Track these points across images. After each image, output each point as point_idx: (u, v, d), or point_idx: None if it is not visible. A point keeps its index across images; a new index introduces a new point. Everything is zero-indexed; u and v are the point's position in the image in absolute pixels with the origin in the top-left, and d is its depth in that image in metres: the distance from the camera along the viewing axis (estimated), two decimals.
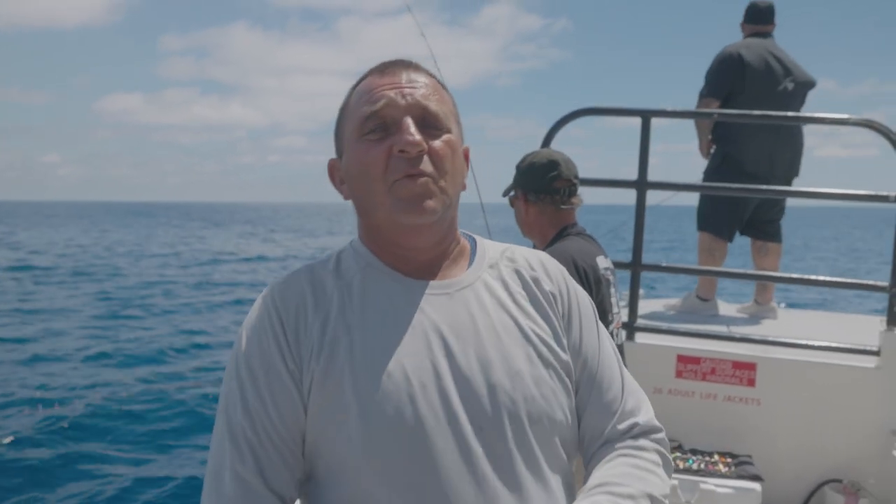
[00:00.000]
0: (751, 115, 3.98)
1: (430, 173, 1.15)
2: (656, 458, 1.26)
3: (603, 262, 2.47)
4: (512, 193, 2.65)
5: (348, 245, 1.29)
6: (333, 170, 1.29)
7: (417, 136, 1.14)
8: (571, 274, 2.31)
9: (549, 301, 1.28)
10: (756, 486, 3.01)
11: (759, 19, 4.60)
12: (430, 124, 1.18)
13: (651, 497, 1.18)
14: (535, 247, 2.60)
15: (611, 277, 2.51)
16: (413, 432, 1.08)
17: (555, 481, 1.17)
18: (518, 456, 1.13)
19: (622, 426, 1.27)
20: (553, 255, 2.35)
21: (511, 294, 1.26)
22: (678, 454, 3.29)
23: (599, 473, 1.21)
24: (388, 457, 1.08)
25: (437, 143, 1.17)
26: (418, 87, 1.19)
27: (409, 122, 1.15)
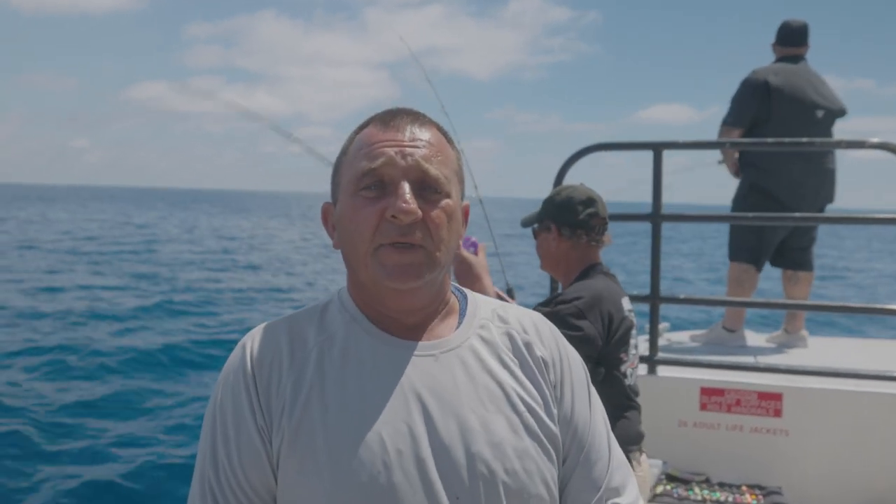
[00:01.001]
0: (765, 143, 3.97)
1: (420, 243, 1.12)
2: None
3: (626, 304, 2.47)
4: (537, 226, 2.60)
5: (335, 295, 1.27)
6: (327, 214, 1.26)
7: (412, 205, 1.10)
8: (597, 313, 2.31)
9: (539, 368, 1.23)
10: None
11: (791, 41, 4.56)
12: (428, 187, 1.14)
13: None
14: (551, 284, 2.60)
15: (633, 320, 2.51)
16: (386, 499, 1.06)
17: None
18: None
19: None
20: (582, 292, 2.35)
21: (500, 358, 1.21)
22: (705, 488, 3.24)
23: None
24: None
25: (433, 212, 1.13)
26: (420, 146, 1.15)
27: (406, 188, 1.11)
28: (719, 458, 3.43)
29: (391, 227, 1.11)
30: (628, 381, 2.42)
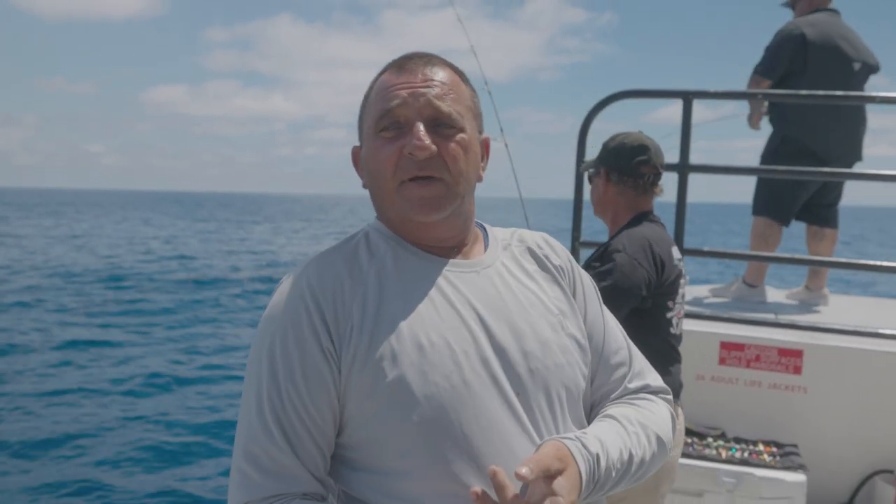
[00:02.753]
0: (798, 95, 3.86)
1: (439, 176, 1.21)
2: (666, 411, 1.38)
3: (676, 253, 2.45)
4: (592, 170, 2.60)
5: (369, 227, 1.33)
6: (356, 157, 1.34)
7: (426, 141, 1.18)
8: (647, 259, 2.29)
9: (560, 274, 1.37)
10: (801, 476, 2.93)
11: None
12: (442, 124, 1.21)
13: (658, 436, 1.30)
14: (607, 229, 2.58)
15: (682, 268, 2.48)
16: (462, 395, 1.15)
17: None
18: (553, 414, 1.22)
19: (633, 385, 1.38)
20: (630, 239, 2.34)
21: (527, 271, 1.34)
22: (721, 442, 3.22)
23: (612, 408, 1.31)
24: (440, 419, 1.13)
25: (448, 145, 1.21)
26: (433, 85, 1.23)
27: (420, 126, 1.19)
28: (736, 413, 3.41)
29: (410, 162, 1.20)
30: (673, 330, 2.40)
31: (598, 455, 1.16)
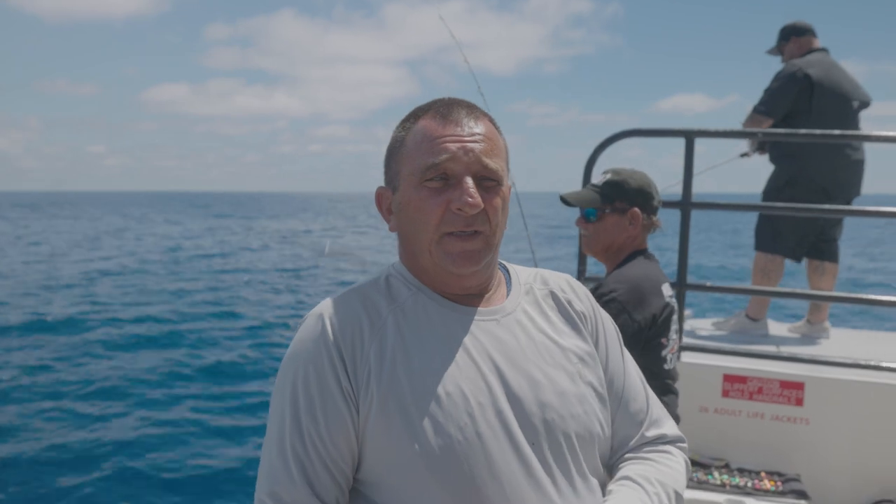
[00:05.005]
0: (797, 135, 3.96)
1: (483, 231, 1.25)
2: (682, 462, 1.40)
3: (667, 290, 2.46)
4: (608, 209, 2.49)
5: (391, 269, 1.37)
6: (381, 199, 1.36)
7: (477, 198, 1.22)
8: (638, 304, 2.30)
9: (581, 320, 1.40)
10: None
11: (809, 32, 4.57)
12: (488, 178, 1.26)
13: (676, 492, 1.32)
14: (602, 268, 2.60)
15: (675, 305, 2.49)
16: (475, 446, 1.18)
17: (595, 484, 1.28)
18: (569, 464, 1.24)
19: (650, 434, 1.40)
20: (620, 281, 2.33)
21: (548, 317, 1.37)
22: (725, 473, 3.29)
23: (631, 467, 1.33)
24: (452, 468, 1.17)
25: (492, 199, 1.26)
26: (478, 140, 1.26)
27: (470, 183, 1.23)
28: (739, 444, 3.47)
29: (456, 218, 1.23)
30: (667, 366, 2.43)
31: None
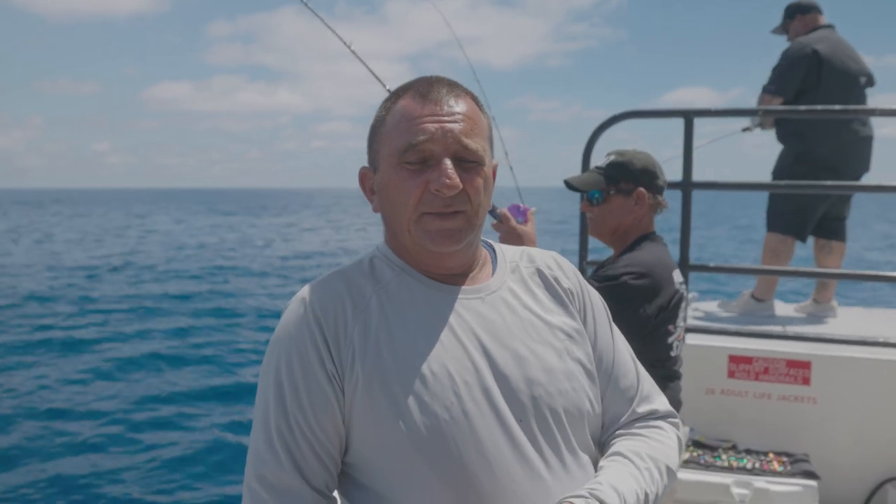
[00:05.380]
0: (798, 111, 3.92)
1: (463, 210, 1.22)
2: (674, 437, 1.38)
3: (678, 277, 2.40)
4: (612, 191, 2.44)
5: (376, 250, 1.35)
6: (365, 179, 1.34)
7: (455, 179, 1.19)
8: (648, 286, 2.24)
9: (569, 297, 1.38)
10: (813, 483, 2.97)
11: (814, 9, 4.52)
12: (467, 159, 1.23)
13: (668, 468, 1.30)
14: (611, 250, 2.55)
15: (684, 292, 2.44)
16: (461, 425, 1.17)
17: (586, 460, 1.27)
18: (558, 441, 1.23)
19: (641, 409, 1.38)
20: (631, 264, 2.27)
21: (534, 295, 1.35)
22: (732, 454, 3.26)
23: (622, 443, 1.31)
24: (440, 448, 1.16)
25: (472, 179, 1.23)
26: (458, 120, 1.23)
27: (448, 164, 1.20)
28: (746, 425, 3.45)
29: (435, 198, 1.21)
30: (673, 353, 2.38)
31: None
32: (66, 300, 15.58)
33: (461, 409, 1.17)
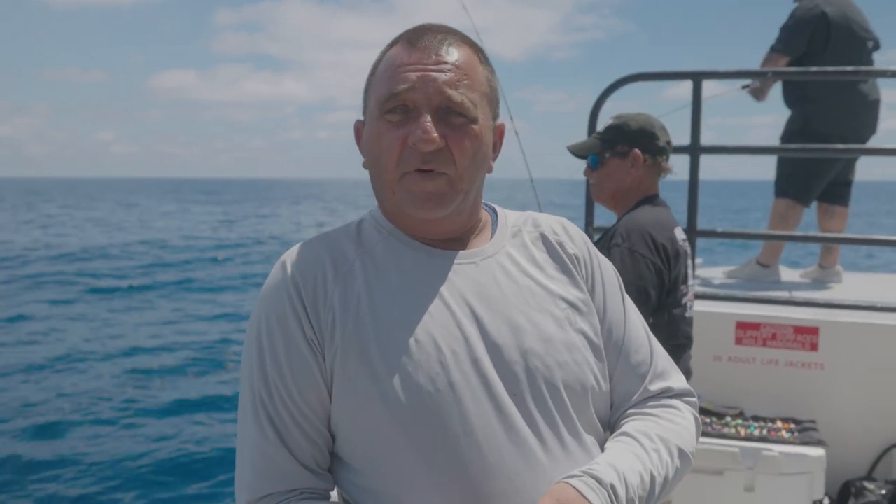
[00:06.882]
0: (808, 73, 3.84)
1: (444, 171, 1.11)
2: (690, 418, 1.27)
3: (679, 234, 2.38)
4: (611, 153, 2.42)
5: (368, 215, 1.26)
6: (359, 132, 1.25)
7: (433, 133, 1.08)
8: (649, 249, 2.22)
9: (574, 264, 1.26)
10: (820, 451, 2.95)
11: None
12: (453, 113, 1.12)
13: (680, 450, 1.19)
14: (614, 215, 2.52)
15: (688, 249, 2.42)
16: (447, 398, 1.07)
17: (590, 441, 1.16)
18: (556, 419, 1.12)
19: (654, 388, 1.27)
20: (629, 229, 2.25)
21: (536, 261, 1.24)
22: (740, 421, 3.25)
23: (631, 424, 1.21)
24: (422, 423, 1.07)
25: (457, 136, 1.11)
26: (445, 70, 1.12)
27: (426, 117, 1.09)
28: (754, 392, 3.43)
29: (413, 154, 1.10)
30: (687, 314, 2.36)
31: (612, 486, 1.04)
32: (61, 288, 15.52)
33: (447, 381, 1.08)
